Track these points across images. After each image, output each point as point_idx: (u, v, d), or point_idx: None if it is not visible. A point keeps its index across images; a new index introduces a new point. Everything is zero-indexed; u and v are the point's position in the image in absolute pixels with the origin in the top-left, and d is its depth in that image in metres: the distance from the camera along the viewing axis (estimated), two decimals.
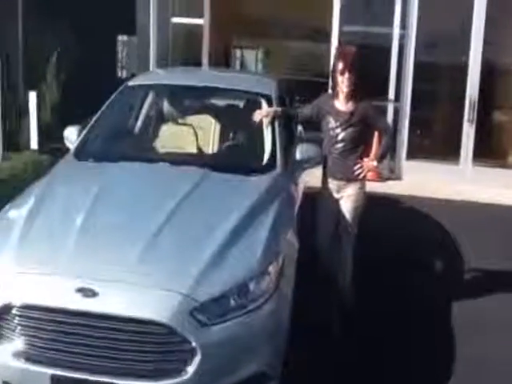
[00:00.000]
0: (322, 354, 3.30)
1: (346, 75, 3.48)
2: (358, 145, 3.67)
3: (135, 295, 2.47)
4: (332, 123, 3.59)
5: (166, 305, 2.43)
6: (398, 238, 5.39)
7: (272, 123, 3.69)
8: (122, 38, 9.18)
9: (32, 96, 7.68)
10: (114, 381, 2.41)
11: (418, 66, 7.49)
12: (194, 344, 2.43)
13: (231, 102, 4.33)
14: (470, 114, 7.46)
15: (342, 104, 3.59)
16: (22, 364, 2.48)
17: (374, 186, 7.38)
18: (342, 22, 7.65)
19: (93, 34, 8.57)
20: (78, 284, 2.46)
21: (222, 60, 9.62)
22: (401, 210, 6.62)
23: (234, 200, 3.06)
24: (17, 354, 2.49)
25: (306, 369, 3.15)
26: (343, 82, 3.51)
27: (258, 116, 3.71)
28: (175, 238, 2.73)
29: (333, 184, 3.66)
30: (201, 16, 7.88)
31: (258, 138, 3.73)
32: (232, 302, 2.57)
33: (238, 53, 13.03)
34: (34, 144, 7.58)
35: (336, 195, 3.66)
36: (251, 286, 2.62)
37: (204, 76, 4.60)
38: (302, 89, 7.04)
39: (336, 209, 3.67)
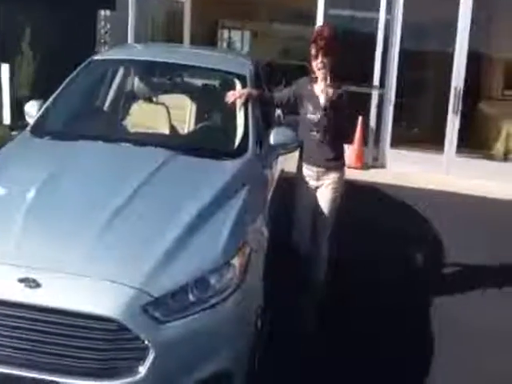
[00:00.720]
0: (292, 350, 3.17)
1: (319, 59, 3.29)
2: (338, 131, 3.45)
3: (82, 288, 2.25)
4: (309, 108, 3.40)
5: (117, 299, 2.22)
6: (376, 228, 5.24)
7: (246, 105, 3.47)
8: (104, 12, 8.87)
9: (4, 68, 7.37)
10: (60, 379, 2.21)
11: (403, 52, 7.34)
12: (146, 342, 2.23)
13: (204, 81, 4.09)
14: (455, 105, 7.34)
15: (319, 89, 3.38)
16: None
17: (356, 174, 7.29)
18: (328, 6, 7.42)
19: (72, 7, 8.26)
20: (20, 274, 2.25)
21: (206, 40, 9.37)
22: (382, 199, 6.48)
23: (198, 186, 2.83)
24: None
25: (277, 365, 3.01)
26: (317, 66, 3.33)
27: (230, 97, 3.50)
28: (130, 227, 2.50)
29: (311, 171, 3.47)
30: None
31: (230, 121, 3.50)
32: (190, 297, 2.37)
33: (224, 33, 12.78)
34: (6, 119, 7.31)
35: (313, 183, 3.47)
36: (212, 280, 2.42)
37: (176, 53, 4.33)
38: (287, 72, 6.84)
39: (313, 197, 3.48)
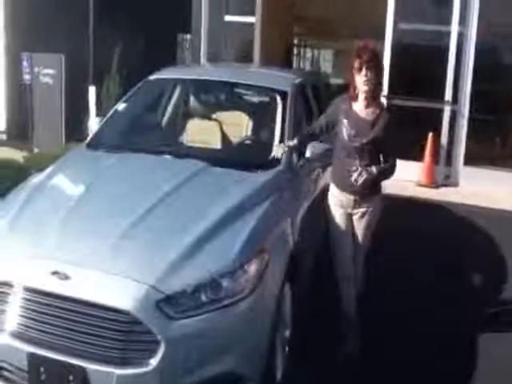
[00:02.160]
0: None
1: (363, 72, 3.09)
2: (377, 157, 3.23)
3: (103, 282, 2.49)
4: (348, 130, 3.16)
5: (132, 294, 2.43)
6: (445, 249, 5.06)
7: (283, 118, 3.60)
8: (183, 36, 9.42)
9: (91, 90, 8.07)
10: (81, 363, 2.43)
11: (477, 66, 7.06)
12: (158, 336, 2.40)
13: (247, 97, 4.27)
14: None
15: (360, 108, 3.19)
16: (3, 338, 2.55)
17: (426, 192, 7.08)
18: (397, 20, 7.36)
19: (155, 32, 8.87)
20: (53, 267, 2.52)
21: (281, 59, 9.57)
22: (453, 219, 6.22)
23: (223, 194, 2.99)
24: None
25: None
26: (360, 81, 3.11)
27: (279, 151, 3.39)
28: (154, 229, 2.72)
29: (346, 198, 3.26)
30: (253, 14, 7.88)
31: (267, 134, 3.64)
32: (203, 297, 2.51)
33: (300, 51, 12.98)
34: None
35: (348, 210, 3.30)
36: (224, 283, 2.54)
37: (222, 71, 4.58)
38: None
39: (349, 224, 3.31)
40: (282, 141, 3.49)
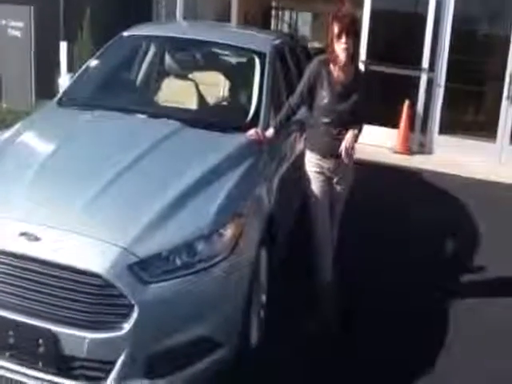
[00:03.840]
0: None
1: (343, 39, 3.07)
2: (352, 120, 3.20)
3: (75, 244, 2.40)
4: (326, 95, 3.15)
5: (104, 256, 2.36)
6: (413, 215, 5.12)
7: (261, 81, 3.51)
8: None
9: (63, 46, 7.77)
10: (51, 327, 2.37)
11: (455, 34, 7.03)
12: (131, 299, 2.35)
13: (225, 57, 4.15)
14: (510, 91, 6.97)
15: (338, 73, 3.16)
16: None
17: (400, 159, 7.13)
18: None
19: None
20: (22, 228, 2.43)
21: (259, 21, 9.37)
22: (423, 186, 6.31)
23: (201, 156, 2.92)
24: None
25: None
26: (339, 47, 3.09)
27: (253, 136, 3.23)
28: (128, 190, 2.64)
29: (326, 163, 3.25)
30: None
31: (246, 97, 3.56)
32: (177, 261, 2.46)
33: (279, 14, 12.72)
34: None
35: (328, 175, 3.28)
36: (199, 246, 2.50)
37: (199, 29, 4.43)
38: None
39: (328, 188, 3.30)
40: (259, 103, 3.41)
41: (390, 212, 5.19)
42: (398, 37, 7.21)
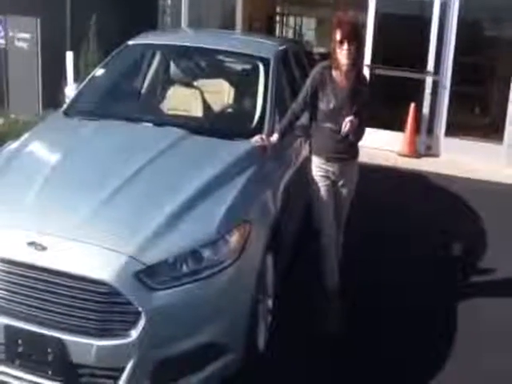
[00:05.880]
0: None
1: (345, 46, 3.10)
2: (359, 124, 3.20)
3: (81, 252, 2.43)
4: (329, 100, 3.18)
5: (110, 264, 2.38)
6: (421, 217, 5.12)
7: (265, 88, 3.53)
8: (163, 1, 9.15)
9: (69, 56, 7.84)
10: (60, 335, 2.39)
11: (460, 37, 7.02)
12: (137, 307, 2.36)
13: (230, 64, 4.18)
14: None
15: (341, 79, 3.20)
16: None
17: (407, 162, 7.12)
18: None
19: None
20: (29, 237, 2.46)
21: (263, 27, 9.41)
22: (432, 188, 6.29)
23: (203, 164, 2.93)
24: None
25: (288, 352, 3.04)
26: (342, 53, 3.13)
27: (258, 142, 3.23)
28: (133, 198, 2.66)
29: (330, 167, 3.29)
30: None
31: (250, 103, 3.58)
32: (184, 268, 2.47)
33: (283, 20, 12.76)
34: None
35: (332, 178, 3.32)
36: (205, 253, 2.51)
37: (203, 37, 4.47)
38: None
39: (332, 193, 3.34)
40: (263, 110, 3.43)
41: (396, 214, 5.19)
42: (403, 40, 7.20)
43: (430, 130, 7.51)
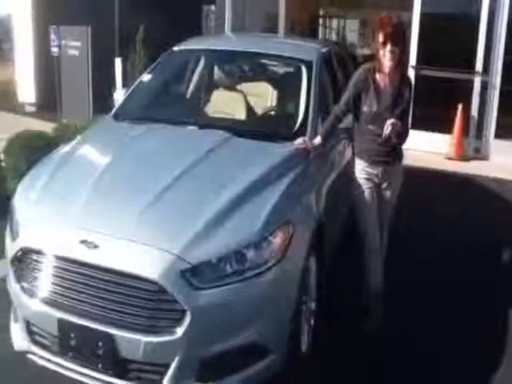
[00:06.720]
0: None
1: (388, 48, 3.07)
2: (403, 126, 3.17)
3: (130, 251, 2.51)
4: (374, 101, 3.17)
5: (158, 263, 2.45)
6: (467, 221, 5.04)
7: (308, 90, 3.55)
8: (207, 7, 9.33)
9: (117, 62, 8.10)
10: (110, 330, 2.48)
11: (510, 35, 6.82)
12: (183, 305, 2.43)
13: (273, 67, 4.22)
14: None
15: (385, 81, 3.18)
16: (36, 304, 2.62)
17: (455, 166, 6.96)
18: None
19: (179, 5, 8.80)
20: (82, 236, 2.57)
21: (305, 29, 9.41)
22: (482, 192, 6.13)
23: (248, 165, 2.98)
24: (32, 294, 2.64)
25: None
26: (385, 56, 3.10)
27: (301, 145, 3.26)
28: (180, 198, 2.73)
29: (374, 170, 3.29)
30: None
31: (293, 106, 3.60)
32: (228, 268, 2.52)
33: (326, 22, 12.70)
34: None
35: (376, 181, 3.32)
36: (249, 254, 2.55)
37: (247, 41, 4.53)
38: None
39: (376, 196, 3.33)
40: (306, 112, 3.45)
41: (444, 218, 5.09)
42: (449, 40, 7.07)
43: (479, 132, 7.33)
